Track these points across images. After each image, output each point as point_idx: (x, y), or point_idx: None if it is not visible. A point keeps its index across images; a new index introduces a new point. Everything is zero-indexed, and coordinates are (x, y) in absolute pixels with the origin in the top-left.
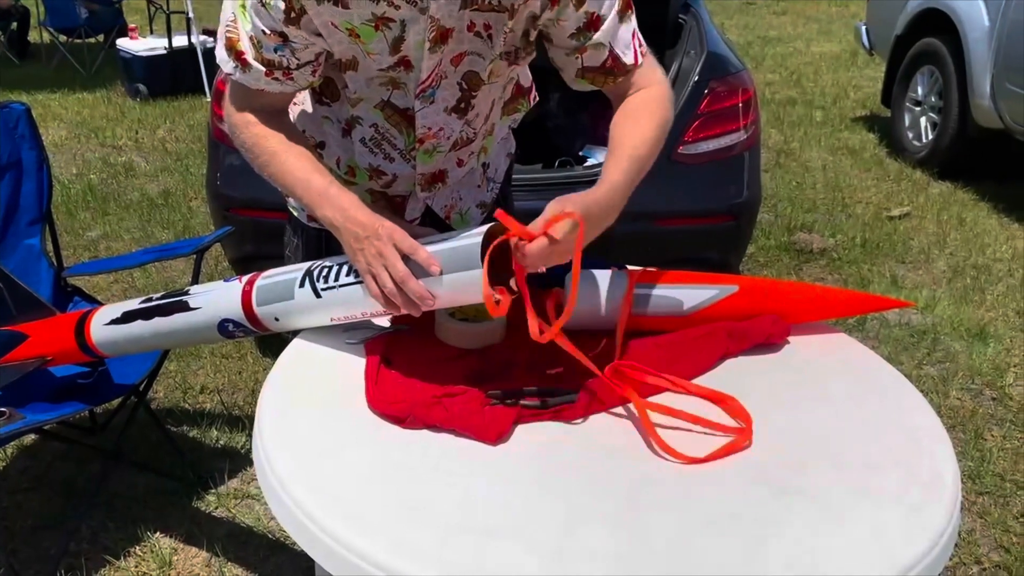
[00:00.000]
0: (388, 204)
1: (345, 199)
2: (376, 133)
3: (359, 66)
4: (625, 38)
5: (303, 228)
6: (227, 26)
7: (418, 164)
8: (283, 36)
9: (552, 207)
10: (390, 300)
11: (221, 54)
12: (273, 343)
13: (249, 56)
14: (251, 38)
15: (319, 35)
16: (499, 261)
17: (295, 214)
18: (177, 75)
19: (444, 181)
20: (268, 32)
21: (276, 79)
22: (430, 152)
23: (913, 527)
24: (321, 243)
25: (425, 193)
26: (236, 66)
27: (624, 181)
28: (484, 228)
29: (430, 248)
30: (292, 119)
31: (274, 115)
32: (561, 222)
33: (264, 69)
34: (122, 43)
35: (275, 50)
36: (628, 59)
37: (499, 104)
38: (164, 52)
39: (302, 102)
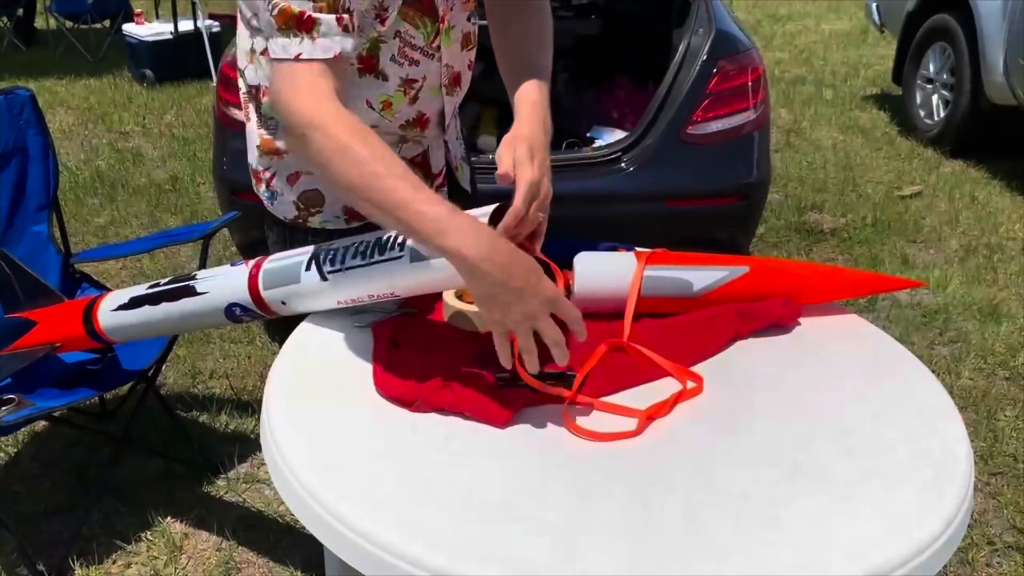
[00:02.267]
0: (413, 168)
1: (482, 230)
2: (400, 41)
3: None
4: None
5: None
6: (273, 4)
7: (443, 52)
8: None
9: (508, 153)
10: (510, 358)
11: (279, 42)
12: (281, 327)
13: (313, 12)
14: None
15: None
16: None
17: (325, 227)
18: (183, 60)
19: (460, 85)
20: None
21: (346, 30)
22: (449, 31)
23: (925, 508)
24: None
25: (449, 97)
26: (302, 38)
27: (545, 103)
28: (489, 208)
29: None
30: None
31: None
32: (522, 163)
33: (335, 18)
34: (128, 28)
35: None
36: None
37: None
38: (170, 37)
39: None
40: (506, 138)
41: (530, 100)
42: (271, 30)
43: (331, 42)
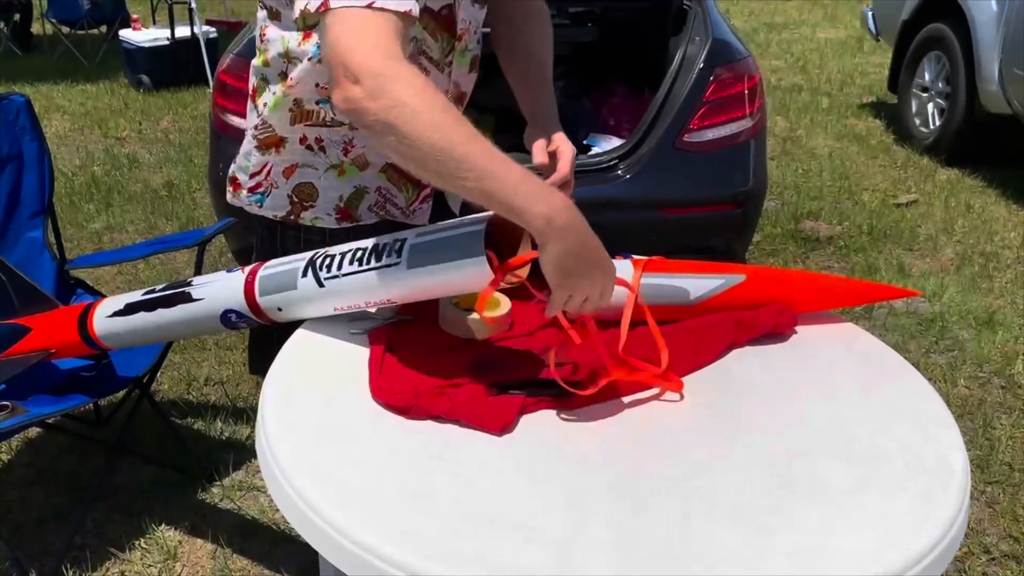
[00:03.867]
0: (404, 173)
1: (573, 210)
2: (415, 48)
3: None
4: None
5: (327, 235)
6: None
7: (454, 69)
8: None
9: (542, 141)
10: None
11: None
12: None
13: None
14: None
15: None
16: (502, 249)
17: (316, 224)
18: (180, 66)
19: (463, 104)
20: None
21: None
22: (463, 52)
23: (922, 517)
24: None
25: None
26: None
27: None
28: (487, 214)
29: (432, 236)
30: (306, 89)
31: None
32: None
33: None
34: (125, 34)
35: None
36: None
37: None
38: (167, 43)
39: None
40: (534, 132)
41: (543, 99)
42: None
43: None
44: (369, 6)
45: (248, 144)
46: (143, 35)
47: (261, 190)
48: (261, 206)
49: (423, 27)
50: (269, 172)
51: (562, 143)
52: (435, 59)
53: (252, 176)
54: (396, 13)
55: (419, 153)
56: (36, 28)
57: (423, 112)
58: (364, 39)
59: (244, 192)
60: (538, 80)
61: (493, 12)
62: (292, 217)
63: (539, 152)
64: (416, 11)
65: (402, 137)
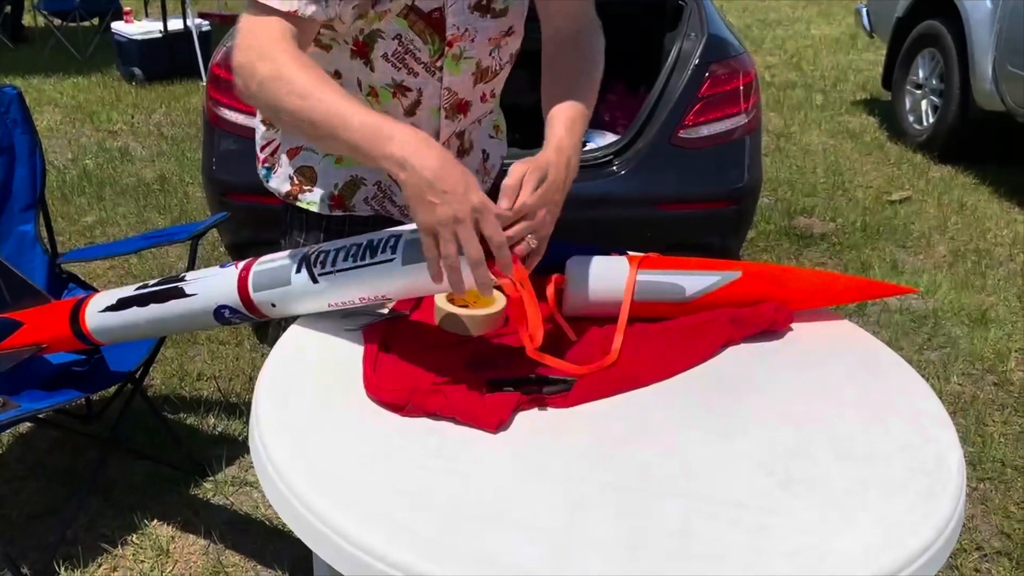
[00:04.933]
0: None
1: (419, 137)
2: (400, 45)
3: None
4: None
5: (324, 221)
6: None
7: (445, 74)
8: None
9: (519, 170)
10: (440, 271)
11: None
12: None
13: None
14: None
15: None
16: None
17: (310, 208)
18: (173, 59)
19: (467, 113)
20: None
21: None
22: (458, 58)
23: (919, 516)
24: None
25: (449, 121)
26: None
27: (575, 144)
28: None
29: None
30: None
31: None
32: (526, 184)
33: None
34: (117, 26)
35: None
36: None
37: (518, 34)
38: (159, 35)
39: None
40: (527, 159)
41: (558, 136)
42: None
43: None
44: (256, 7)
45: (257, 117)
46: (136, 27)
47: (267, 165)
48: (268, 181)
49: (409, 26)
50: (275, 150)
51: (528, 183)
52: (424, 61)
53: (262, 149)
54: (280, 13)
55: (292, 119)
56: (27, 20)
57: (288, 85)
58: (249, 36)
59: (259, 165)
60: (561, 100)
61: (543, 30)
62: (291, 199)
63: (512, 176)
64: (305, 11)
65: (278, 110)
